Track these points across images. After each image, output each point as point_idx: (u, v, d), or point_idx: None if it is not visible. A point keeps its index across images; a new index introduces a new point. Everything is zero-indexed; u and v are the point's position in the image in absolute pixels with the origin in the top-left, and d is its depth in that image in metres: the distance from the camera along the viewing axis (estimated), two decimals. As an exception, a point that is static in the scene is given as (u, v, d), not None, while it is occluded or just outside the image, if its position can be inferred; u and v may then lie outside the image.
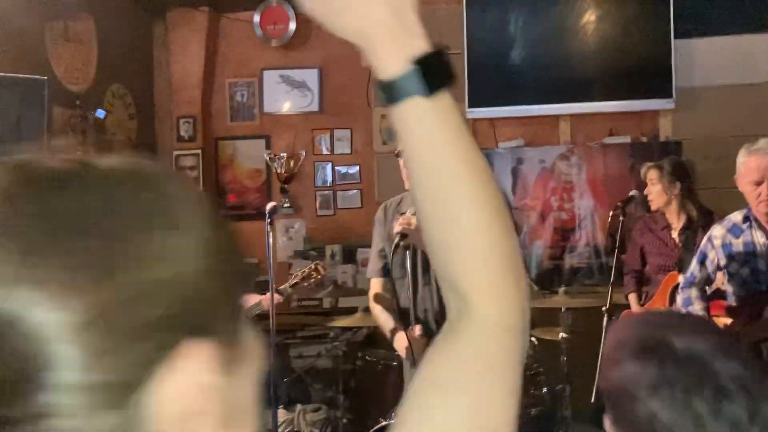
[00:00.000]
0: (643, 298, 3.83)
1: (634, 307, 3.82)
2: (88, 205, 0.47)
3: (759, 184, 2.61)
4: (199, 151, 5.18)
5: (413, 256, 2.44)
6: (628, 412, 1.05)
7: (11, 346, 0.43)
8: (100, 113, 4.28)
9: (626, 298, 3.91)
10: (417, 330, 2.47)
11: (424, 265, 2.46)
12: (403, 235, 2.36)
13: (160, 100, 5.27)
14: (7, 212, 0.46)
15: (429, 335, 2.55)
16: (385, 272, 2.70)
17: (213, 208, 0.53)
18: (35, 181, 0.47)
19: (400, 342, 2.52)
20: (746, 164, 2.66)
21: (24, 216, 0.45)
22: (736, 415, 0.99)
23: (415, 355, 2.42)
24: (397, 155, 2.52)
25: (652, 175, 3.79)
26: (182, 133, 5.23)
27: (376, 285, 2.76)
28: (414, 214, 2.41)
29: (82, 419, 0.44)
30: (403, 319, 2.60)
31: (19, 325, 0.43)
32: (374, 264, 2.76)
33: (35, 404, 0.43)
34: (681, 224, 3.66)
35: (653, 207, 3.82)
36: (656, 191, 3.76)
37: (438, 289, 2.45)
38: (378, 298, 2.70)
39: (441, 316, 2.46)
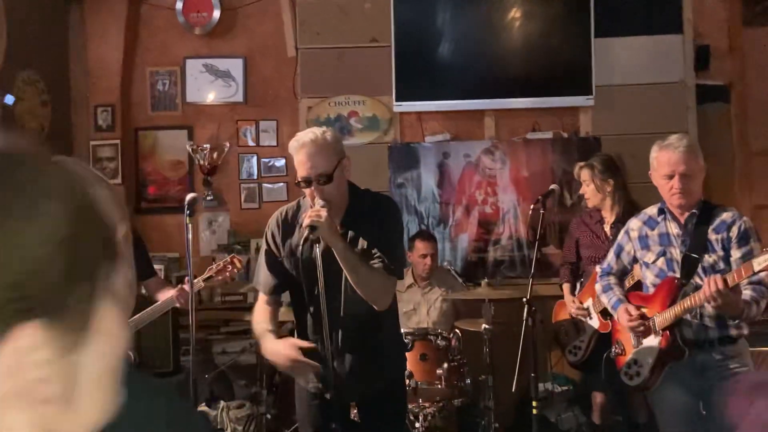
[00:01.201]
0: (577, 288, 3.96)
1: (567, 297, 3.95)
2: None
3: (671, 177, 2.71)
4: (117, 141, 4.99)
5: (323, 249, 2.38)
6: None
7: None
8: (9, 99, 4.07)
9: (561, 288, 4.04)
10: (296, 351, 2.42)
11: (332, 258, 2.38)
12: (313, 228, 2.31)
13: (76, 88, 5.04)
14: None
15: (341, 328, 2.51)
16: (274, 290, 2.62)
17: (66, 188, 0.54)
18: None
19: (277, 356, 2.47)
20: (658, 159, 2.76)
21: None
22: None
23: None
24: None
25: (584, 176, 3.89)
26: (100, 122, 5.02)
27: (262, 300, 2.65)
28: (323, 206, 2.37)
29: None
30: (310, 321, 2.54)
31: None
32: (265, 278, 2.62)
33: None
34: (613, 218, 3.77)
35: (589, 205, 3.93)
36: (590, 191, 3.86)
37: (347, 280, 2.42)
38: (263, 315, 2.61)
39: (353, 304, 2.44)
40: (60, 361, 0.51)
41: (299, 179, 2.47)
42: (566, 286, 4.00)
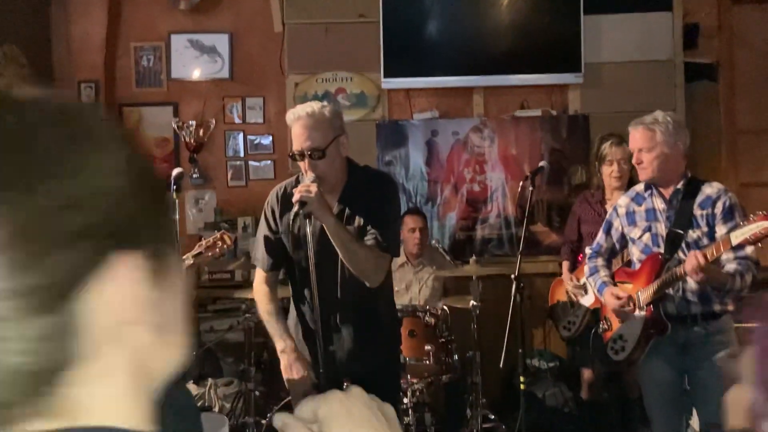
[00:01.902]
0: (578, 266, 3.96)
1: (565, 274, 3.95)
2: (12, 127, 0.49)
3: (635, 153, 2.80)
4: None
5: (313, 225, 2.36)
6: None
7: None
8: (-10, 75, 3.99)
9: (560, 266, 4.05)
10: (299, 370, 2.45)
11: (323, 234, 2.37)
12: (303, 203, 2.28)
13: (58, 63, 4.96)
14: None
15: (337, 308, 2.50)
16: (272, 266, 2.60)
17: (129, 134, 0.57)
18: None
19: (287, 369, 2.48)
20: (630, 137, 2.83)
21: None
22: None
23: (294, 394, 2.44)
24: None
25: (619, 153, 3.67)
26: (84, 98, 4.94)
27: (260, 276, 2.64)
28: (313, 181, 2.34)
29: (14, 323, 0.45)
30: (306, 299, 2.54)
31: None
32: (263, 255, 2.61)
33: None
34: (615, 198, 3.73)
35: (615, 185, 3.71)
36: (625, 170, 3.66)
37: (339, 258, 2.41)
38: (263, 296, 2.60)
39: (348, 281, 2.43)
40: (157, 293, 0.53)
41: (293, 152, 2.44)
42: (565, 264, 3.99)
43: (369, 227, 2.46)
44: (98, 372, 0.50)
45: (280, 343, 2.51)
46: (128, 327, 0.51)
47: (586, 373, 3.95)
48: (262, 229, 2.61)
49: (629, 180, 3.68)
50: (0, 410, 0.47)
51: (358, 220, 2.48)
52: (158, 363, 0.55)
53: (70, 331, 0.48)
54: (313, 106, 2.47)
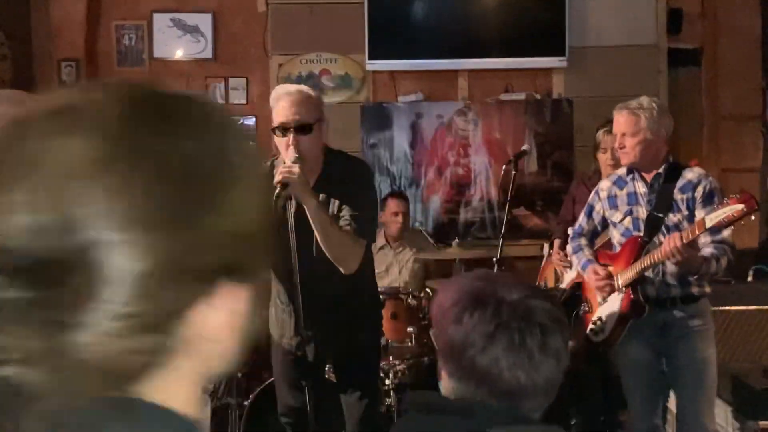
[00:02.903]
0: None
1: (555, 250, 3.95)
2: (185, 152, 0.50)
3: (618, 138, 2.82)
4: (82, 98, 4.86)
5: (295, 207, 2.34)
6: (467, 362, 1.14)
7: (77, 267, 0.46)
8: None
9: (545, 246, 4.06)
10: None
11: (300, 217, 2.35)
12: (284, 185, 2.26)
13: (38, 42, 4.88)
14: (117, 145, 0.48)
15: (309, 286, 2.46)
16: None
17: (259, 159, 0.59)
18: (147, 114, 0.51)
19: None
20: (614, 121, 2.86)
21: (129, 152, 0.48)
22: (558, 346, 1.16)
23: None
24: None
25: (611, 142, 3.64)
26: (64, 77, 4.88)
27: None
28: (295, 162, 2.32)
29: (122, 340, 0.47)
30: (286, 281, 2.50)
31: (90, 258, 0.46)
32: None
33: (86, 321, 0.46)
34: None
35: (611, 171, 3.71)
36: (618, 158, 3.67)
37: (315, 241, 2.40)
38: None
39: (327, 264, 2.42)
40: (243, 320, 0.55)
41: (276, 125, 2.40)
42: (556, 242, 3.99)
43: (344, 213, 2.45)
44: (169, 377, 0.52)
45: None
46: (210, 345, 0.53)
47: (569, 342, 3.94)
48: None
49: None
50: (71, 399, 0.48)
51: (333, 207, 2.47)
52: (220, 368, 0.57)
53: (164, 348, 0.50)
54: (301, 86, 2.49)
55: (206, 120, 0.54)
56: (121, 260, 0.47)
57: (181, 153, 0.50)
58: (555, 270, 3.98)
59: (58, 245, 0.46)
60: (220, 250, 0.51)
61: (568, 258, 3.80)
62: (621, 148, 2.82)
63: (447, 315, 1.18)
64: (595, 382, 3.90)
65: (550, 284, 4.06)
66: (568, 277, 3.82)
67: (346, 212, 2.45)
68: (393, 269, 4.29)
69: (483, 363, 1.13)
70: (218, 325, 0.53)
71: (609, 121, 3.77)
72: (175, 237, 0.48)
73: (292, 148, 2.36)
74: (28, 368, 0.46)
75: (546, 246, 4.11)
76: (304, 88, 2.47)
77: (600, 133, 3.81)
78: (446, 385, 1.19)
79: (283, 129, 2.39)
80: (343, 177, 2.50)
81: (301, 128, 2.37)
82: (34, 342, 0.46)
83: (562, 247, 3.94)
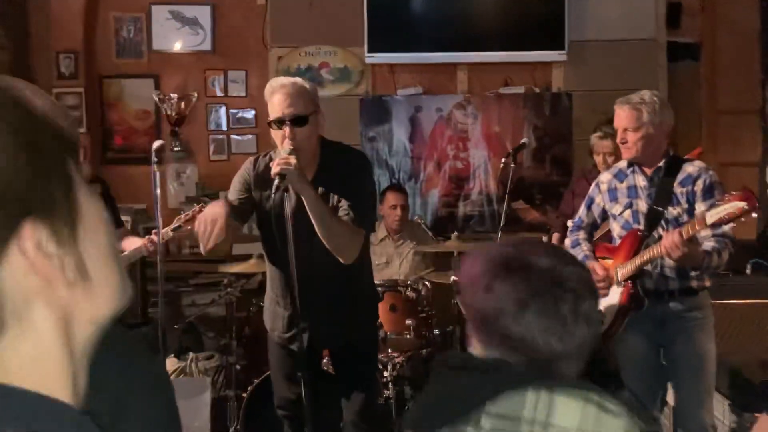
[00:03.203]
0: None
1: (554, 240, 3.97)
2: None
3: (620, 132, 2.81)
4: (81, 90, 4.85)
5: (292, 199, 2.33)
6: (500, 330, 1.15)
7: None
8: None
9: (551, 237, 4.07)
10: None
11: (298, 209, 2.34)
12: (282, 176, 2.25)
13: (36, 33, 4.86)
14: None
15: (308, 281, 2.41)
16: (237, 206, 2.51)
17: (17, 99, 0.56)
18: None
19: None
20: (616, 116, 2.84)
21: None
22: (589, 311, 1.17)
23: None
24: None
25: (607, 147, 3.66)
26: (63, 69, 4.87)
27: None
28: (291, 153, 2.32)
29: None
30: (284, 272, 2.48)
31: None
32: (233, 196, 2.55)
33: None
34: None
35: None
36: (609, 163, 3.59)
37: (315, 233, 2.39)
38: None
39: (324, 255, 2.41)
40: (65, 251, 0.55)
41: (272, 119, 2.40)
42: (556, 235, 4.00)
43: (343, 204, 2.45)
44: (22, 333, 0.52)
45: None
46: (44, 288, 0.53)
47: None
48: (234, 186, 2.57)
49: None
50: None
51: (333, 199, 2.47)
52: (85, 314, 0.57)
53: None
54: (296, 78, 2.47)
55: None
56: None
57: None
58: None
59: None
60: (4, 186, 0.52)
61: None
62: (623, 143, 2.81)
63: (477, 283, 1.19)
64: (592, 374, 3.91)
65: None
66: None
67: (344, 203, 2.45)
68: (393, 261, 4.29)
69: (516, 330, 1.14)
70: (31, 263, 0.52)
71: (604, 124, 3.78)
72: None
73: (287, 140, 2.36)
74: None
75: (545, 239, 4.12)
76: (298, 80, 2.46)
77: (593, 138, 3.83)
78: (478, 353, 1.20)
79: (279, 122, 2.39)
80: (341, 168, 2.50)
81: (297, 120, 2.37)
82: None
83: (561, 241, 3.95)
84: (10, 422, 0.49)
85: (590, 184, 3.80)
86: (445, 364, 1.23)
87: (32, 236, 0.53)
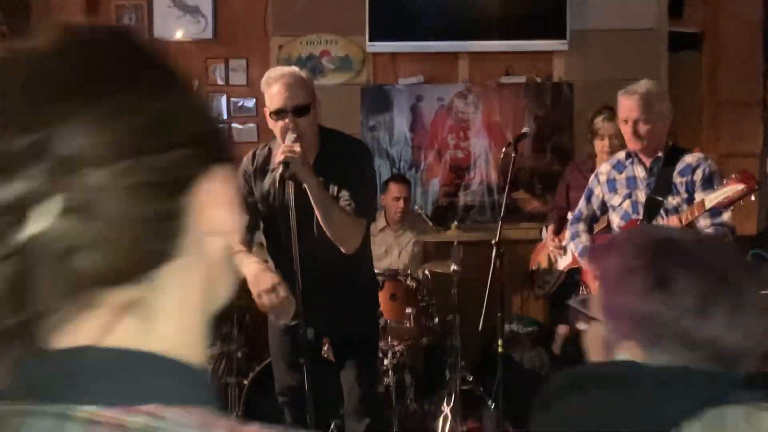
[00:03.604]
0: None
1: (549, 236, 3.95)
2: (121, 58, 0.55)
3: (627, 123, 2.79)
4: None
5: (296, 189, 2.32)
6: (679, 331, 0.99)
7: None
8: (-34, 30, 3.91)
9: (543, 230, 4.07)
10: (282, 291, 2.34)
11: (300, 198, 2.32)
12: (286, 165, 2.25)
13: (37, 21, 4.85)
14: (55, 61, 0.53)
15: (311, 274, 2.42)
16: (249, 230, 2.53)
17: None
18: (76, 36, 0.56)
19: (254, 277, 2.37)
20: (620, 105, 2.84)
21: (68, 64, 0.53)
22: (764, 304, 1.03)
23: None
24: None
25: (610, 129, 3.59)
26: (63, 57, 4.87)
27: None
28: (295, 141, 2.31)
29: (136, 199, 0.50)
30: (286, 262, 2.45)
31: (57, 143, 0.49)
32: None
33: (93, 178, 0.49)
34: None
35: (605, 159, 3.51)
36: (615, 145, 3.55)
37: (316, 222, 2.40)
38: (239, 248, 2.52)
39: (326, 244, 2.42)
40: (234, 211, 0.58)
41: (273, 110, 2.39)
42: (551, 228, 3.99)
43: (344, 194, 2.45)
44: (178, 272, 0.53)
45: (248, 259, 2.43)
46: (212, 237, 0.55)
47: (562, 329, 3.89)
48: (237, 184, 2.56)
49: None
50: (98, 287, 0.49)
51: (333, 188, 2.47)
52: (221, 288, 0.58)
53: (176, 221, 0.53)
54: (292, 68, 2.47)
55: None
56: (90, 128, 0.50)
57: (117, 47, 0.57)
58: (549, 254, 4.01)
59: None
60: (189, 120, 0.55)
61: (563, 244, 3.82)
62: (633, 134, 2.75)
63: (639, 277, 1.02)
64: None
65: (544, 265, 4.08)
66: (563, 262, 3.84)
67: (345, 192, 2.45)
68: (393, 251, 4.31)
69: (701, 331, 0.98)
70: (215, 206, 0.55)
71: (606, 108, 3.75)
72: (144, 105, 0.53)
73: (291, 131, 2.35)
74: (63, 215, 0.48)
75: (544, 230, 4.13)
76: (296, 69, 2.46)
77: (599, 120, 3.77)
78: (635, 357, 1.03)
79: (280, 113, 2.37)
80: (341, 157, 2.50)
81: (299, 110, 2.37)
82: (48, 185, 0.48)
83: (557, 233, 3.96)
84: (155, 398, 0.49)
85: (584, 176, 3.79)
86: (595, 378, 1.02)
87: (224, 182, 0.56)
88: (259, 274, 2.37)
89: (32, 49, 0.55)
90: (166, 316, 0.53)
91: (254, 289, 2.38)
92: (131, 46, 0.57)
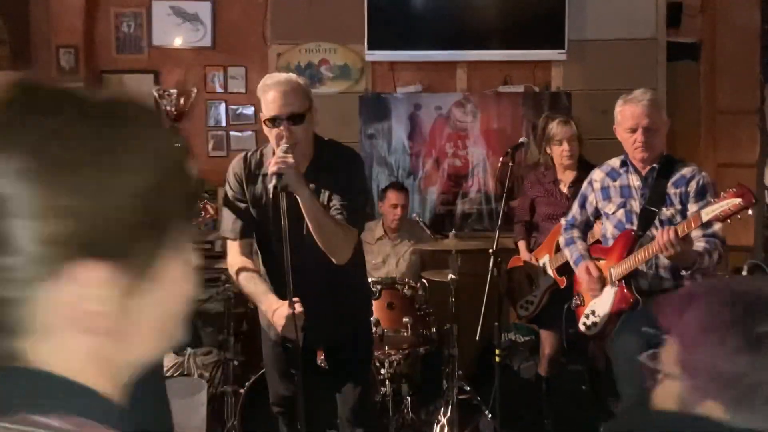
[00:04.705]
0: (532, 244, 3.95)
1: (523, 253, 3.93)
2: (72, 134, 0.54)
3: (634, 131, 2.75)
4: (81, 84, 4.79)
5: (288, 199, 2.29)
6: (760, 397, 0.94)
7: None
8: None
9: (516, 245, 4.04)
10: (298, 307, 2.34)
11: (292, 208, 2.30)
12: (280, 175, 2.22)
13: (36, 27, 4.87)
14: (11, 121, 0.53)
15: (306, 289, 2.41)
16: (244, 233, 2.54)
17: (159, 138, 0.59)
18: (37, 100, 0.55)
19: (275, 312, 2.41)
20: (622, 113, 2.80)
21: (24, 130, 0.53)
22: None
23: (297, 330, 2.34)
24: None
25: (566, 132, 3.62)
26: (63, 63, 4.87)
27: (234, 248, 2.55)
28: (287, 152, 2.30)
29: None
30: (278, 271, 2.43)
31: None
32: (233, 224, 2.53)
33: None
34: (571, 178, 3.72)
35: (565, 164, 3.67)
36: (573, 149, 3.62)
37: (307, 232, 2.39)
38: (241, 267, 2.52)
39: (317, 253, 2.41)
40: (118, 301, 0.56)
41: (268, 118, 2.37)
42: (522, 243, 3.95)
43: (335, 203, 2.43)
44: (56, 345, 0.54)
45: (269, 299, 2.47)
46: (83, 323, 0.55)
47: (547, 349, 3.83)
48: (227, 199, 2.55)
49: (579, 158, 3.70)
50: None
51: (324, 196, 2.46)
52: (120, 357, 0.58)
53: (34, 314, 0.53)
54: (289, 75, 2.45)
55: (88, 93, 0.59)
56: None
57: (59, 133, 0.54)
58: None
59: None
60: (67, 222, 0.53)
61: (543, 261, 3.77)
62: (641, 143, 2.71)
63: (722, 337, 0.95)
64: (581, 378, 3.91)
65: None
66: (545, 282, 3.76)
67: (336, 201, 2.43)
68: (390, 260, 4.30)
69: None
70: (77, 299, 0.54)
71: (556, 114, 3.76)
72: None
73: (284, 138, 2.33)
74: None
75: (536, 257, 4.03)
76: (293, 76, 2.43)
77: (554, 125, 3.72)
78: (719, 418, 0.97)
79: (275, 120, 2.35)
80: (334, 166, 2.48)
81: (294, 118, 2.35)
82: None
83: (530, 249, 3.91)
84: (54, 407, 0.52)
85: (545, 187, 3.77)
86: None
87: (94, 274, 0.54)
88: (281, 313, 2.40)
89: None
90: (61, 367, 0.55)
91: (278, 325, 2.43)
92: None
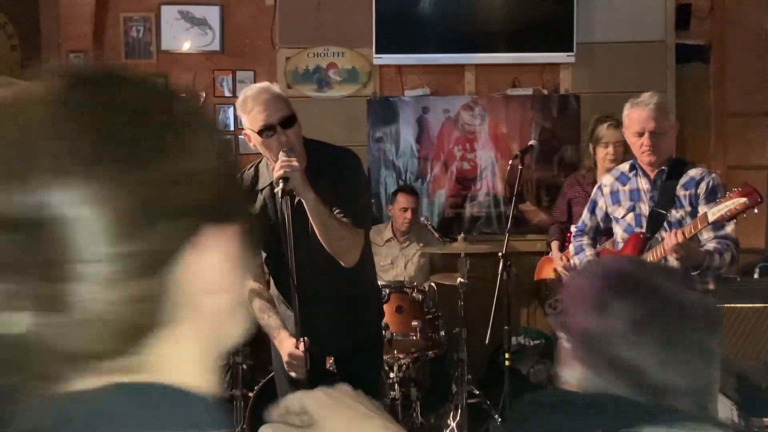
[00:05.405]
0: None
1: (555, 254, 3.91)
2: (129, 105, 0.54)
3: (641, 135, 2.74)
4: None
5: (292, 203, 2.27)
6: (611, 355, 1.02)
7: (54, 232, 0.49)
8: (-24, 43, 3.94)
9: (548, 246, 4.02)
10: (302, 346, 2.35)
11: (297, 213, 2.29)
12: (285, 179, 2.20)
13: (47, 33, 4.90)
14: (60, 112, 0.52)
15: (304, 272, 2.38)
16: (260, 275, 2.53)
17: (215, 123, 0.65)
18: (83, 83, 0.54)
19: (285, 349, 2.44)
20: (629, 117, 2.79)
21: (75, 115, 0.52)
22: (712, 347, 1.05)
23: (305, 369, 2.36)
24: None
25: (616, 136, 3.52)
26: (72, 69, 4.90)
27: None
28: (289, 156, 2.27)
29: (116, 285, 0.50)
30: (285, 272, 2.40)
31: (60, 218, 0.49)
32: None
33: (75, 273, 0.49)
34: None
35: (609, 166, 3.52)
36: (620, 153, 3.53)
37: (313, 236, 2.38)
38: (254, 292, 2.51)
39: (323, 259, 2.39)
40: (237, 269, 0.58)
41: (260, 128, 2.31)
42: (555, 244, 3.94)
43: (338, 205, 2.40)
44: (175, 336, 0.54)
45: (281, 336, 2.49)
46: (210, 296, 0.56)
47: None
48: None
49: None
50: (91, 361, 0.51)
51: (326, 199, 2.44)
52: (229, 334, 0.60)
53: (162, 295, 0.53)
54: (264, 83, 2.42)
55: (144, 80, 0.59)
56: (86, 208, 0.50)
57: (125, 103, 0.55)
58: (555, 269, 3.96)
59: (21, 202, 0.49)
60: (186, 187, 0.54)
61: (570, 260, 3.77)
62: (648, 147, 2.70)
63: (589, 300, 1.07)
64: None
65: (552, 277, 4.04)
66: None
67: (339, 203, 2.42)
68: (399, 263, 4.30)
69: (628, 356, 1.01)
70: (209, 269, 0.55)
71: (608, 116, 3.73)
72: (136, 176, 0.51)
73: (283, 145, 2.29)
74: (40, 315, 0.49)
75: (552, 250, 4.07)
76: (269, 84, 2.40)
77: (603, 127, 3.73)
78: (577, 375, 1.07)
79: (269, 128, 2.30)
80: (331, 167, 2.45)
81: (285, 122, 2.32)
82: (38, 288, 0.49)
83: (562, 249, 3.92)
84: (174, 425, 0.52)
85: (584, 189, 3.75)
86: (540, 403, 1.06)
87: (221, 244, 0.56)
88: (289, 350, 2.44)
89: (35, 95, 0.54)
90: (167, 370, 0.55)
91: (287, 364, 2.48)
92: (133, 102, 0.55)
